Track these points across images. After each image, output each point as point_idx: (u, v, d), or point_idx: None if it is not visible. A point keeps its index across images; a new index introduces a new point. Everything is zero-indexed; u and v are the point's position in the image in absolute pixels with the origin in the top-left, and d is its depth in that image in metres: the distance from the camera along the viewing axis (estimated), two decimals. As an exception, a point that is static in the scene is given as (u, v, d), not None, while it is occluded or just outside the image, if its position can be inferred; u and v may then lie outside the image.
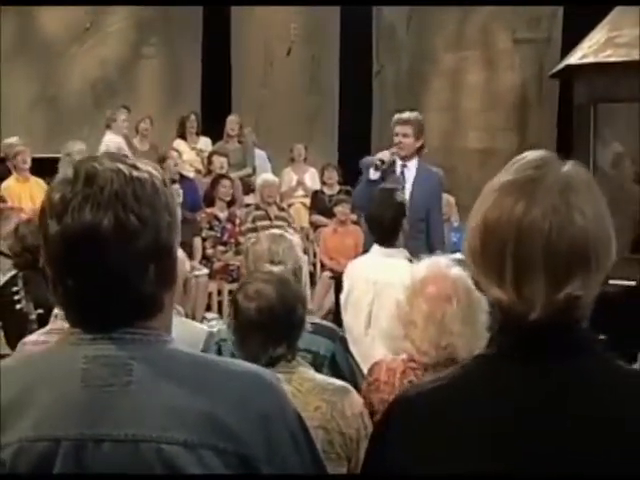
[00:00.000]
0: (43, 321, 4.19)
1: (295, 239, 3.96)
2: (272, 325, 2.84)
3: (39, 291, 4.50)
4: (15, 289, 4.63)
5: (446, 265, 3.30)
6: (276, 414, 1.53)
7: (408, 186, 6.42)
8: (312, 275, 9.44)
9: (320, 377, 2.96)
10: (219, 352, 3.60)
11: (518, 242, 1.42)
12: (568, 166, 1.47)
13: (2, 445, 1.49)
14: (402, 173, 6.53)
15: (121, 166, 1.52)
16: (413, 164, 6.55)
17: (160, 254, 1.53)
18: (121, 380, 1.49)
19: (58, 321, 3.32)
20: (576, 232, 1.41)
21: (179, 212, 1.61)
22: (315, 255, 10.03)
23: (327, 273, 9.40)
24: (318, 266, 9.85)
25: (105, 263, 1.49)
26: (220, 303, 9.13)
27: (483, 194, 1.50)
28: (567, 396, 1.42)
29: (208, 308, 9.02)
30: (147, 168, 1.55)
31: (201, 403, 1.48)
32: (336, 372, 3.52)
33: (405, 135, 6.50)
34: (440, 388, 1.51)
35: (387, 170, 6.43)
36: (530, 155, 1.50)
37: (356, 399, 2.95)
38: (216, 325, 8.16)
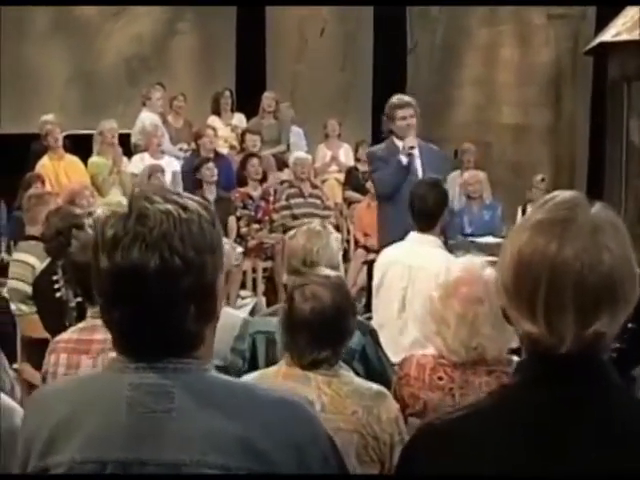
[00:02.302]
0: (82, 309, 4.26)
1: (333, 235, 3.90)
2: (321, 328, 2.87)
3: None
4: (55, 277, 4.70)
5: (480, 266, 3.34)
6: (308, 437, 1.61)
7: (419, 165, 6.51)
8: (346, 252, 9.48)
9: (358, 381, 2.99)
10: (253, 345, 3.66)
11: (550, 280, 1.49)
12: (596, 207, 1.54)
13: (53, 465, 1.60)
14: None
15: (171, 207, 1.60)
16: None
17: (202, 294, 1.61)
18: (164, 407, 1.58)
19: (89, 319, 3.39)
20: (605, 270, 1.48)
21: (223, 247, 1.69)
22: (349, 232, 10.08)
23: (361, 250, 9.46)
24: (352, 243, 9.91)
25: (149, 300, 1.58)
26: (254, 281, 9.23)
27: (516, 230, 1.57)
28: (594, 427, 1.48)
29: (242, 286, 9.10)
30: (196, 208, 1.63)
31: (237, 428, 1.57)
32: (366, 365, 3.57)
33: (412, 116, 6.61)
34: (467, 417, 1.57)
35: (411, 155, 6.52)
36: (561, 195, 1.56)
37: (392, 404, 2.98)
38: (250, 302, 8.28)
